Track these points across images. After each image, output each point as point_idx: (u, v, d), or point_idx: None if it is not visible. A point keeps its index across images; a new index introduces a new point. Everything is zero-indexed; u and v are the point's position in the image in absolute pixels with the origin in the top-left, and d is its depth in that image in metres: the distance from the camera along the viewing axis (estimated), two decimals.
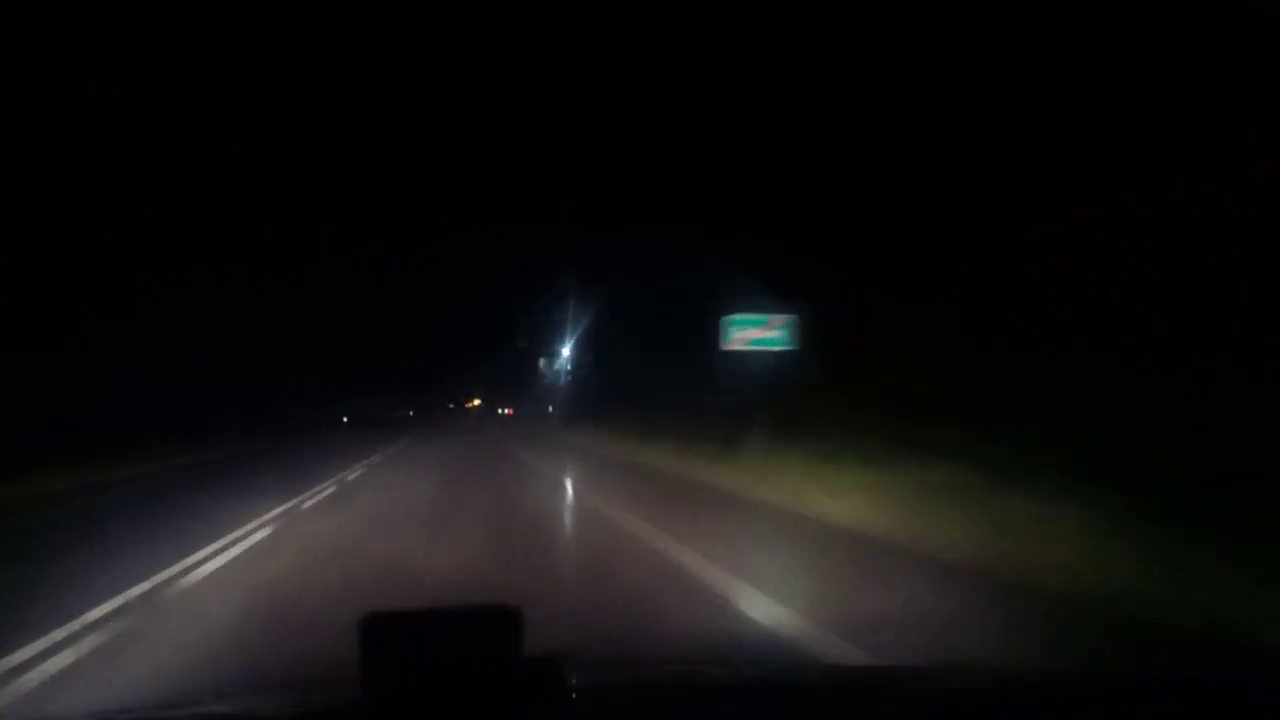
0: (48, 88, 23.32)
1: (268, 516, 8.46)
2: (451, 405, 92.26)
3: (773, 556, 6.31)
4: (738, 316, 13.46)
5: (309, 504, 9.79)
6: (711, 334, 14.10)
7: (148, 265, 26.77)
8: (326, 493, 11.02)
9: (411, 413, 75.25)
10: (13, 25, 18.96)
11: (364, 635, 1.18)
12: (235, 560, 6.20)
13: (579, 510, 9.41)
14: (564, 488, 11.87)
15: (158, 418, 22.32)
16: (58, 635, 4.11)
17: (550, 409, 46.54)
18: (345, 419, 53.53)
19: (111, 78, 24.80)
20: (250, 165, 34.18)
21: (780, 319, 13.30)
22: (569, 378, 38.43)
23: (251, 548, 6.75)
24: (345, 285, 52.17)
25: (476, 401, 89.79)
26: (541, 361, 44.62)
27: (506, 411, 68.08)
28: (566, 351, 37.48)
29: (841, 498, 8.00)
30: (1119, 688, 1.58)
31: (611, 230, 26.24)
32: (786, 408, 12.89)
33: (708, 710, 1.52)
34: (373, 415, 56.31)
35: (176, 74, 27.21)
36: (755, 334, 13.29)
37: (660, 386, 20.91)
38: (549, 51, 31.53)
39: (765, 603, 4.52)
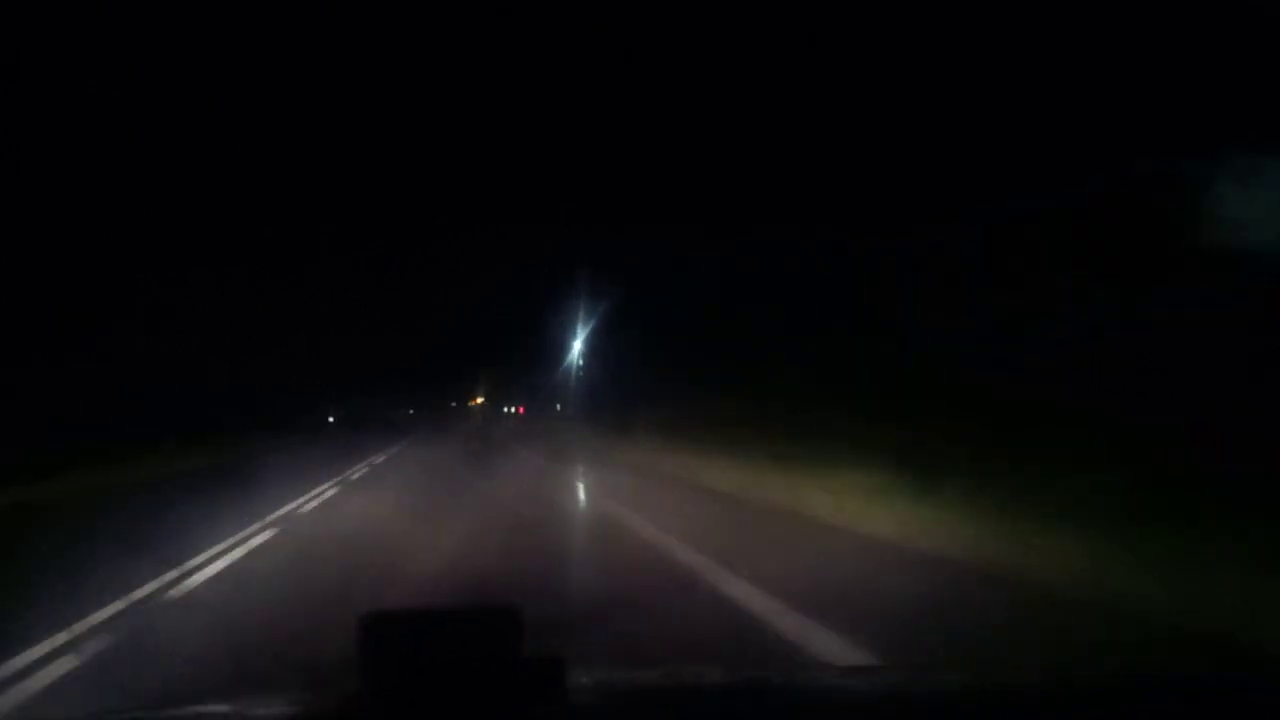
0: (48, 89, 23.34)
1: None
2: (454, 404, 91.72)
3: None
4: None
5: None
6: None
7: (148, 266, 26.83)
8: None
9: (412, 411, 74.07)
10: (13, 26, 18.98)
11: (363, 634, 1.18)
12: None
13: None
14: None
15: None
16: None
17: (558, 407, 44.25)
18: (330, 419, 44.64)
19: (111, 78, 24.83)
20: (250, 165, 34.23)
21: None
22: (581, 373, 35.48)
23: None
24: (345, 285, 52.28)
25: (480, 400, 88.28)
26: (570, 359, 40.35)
27: (517, 410, 61.11)
28: (579, 345, 34.52)
29: None
30: (1119, 688, 1.58)
31: (622, 227, 25.68)
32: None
33: (708, 710, 1.52)
34: (366, 415, 50.08)
35: (176, 74, 27.22)
36: None
37: (704, 388, 18.36)
38: (549, 52, 31.54)
39: None
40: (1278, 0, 7.44)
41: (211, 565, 6.60)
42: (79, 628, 4.65)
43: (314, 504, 10.89)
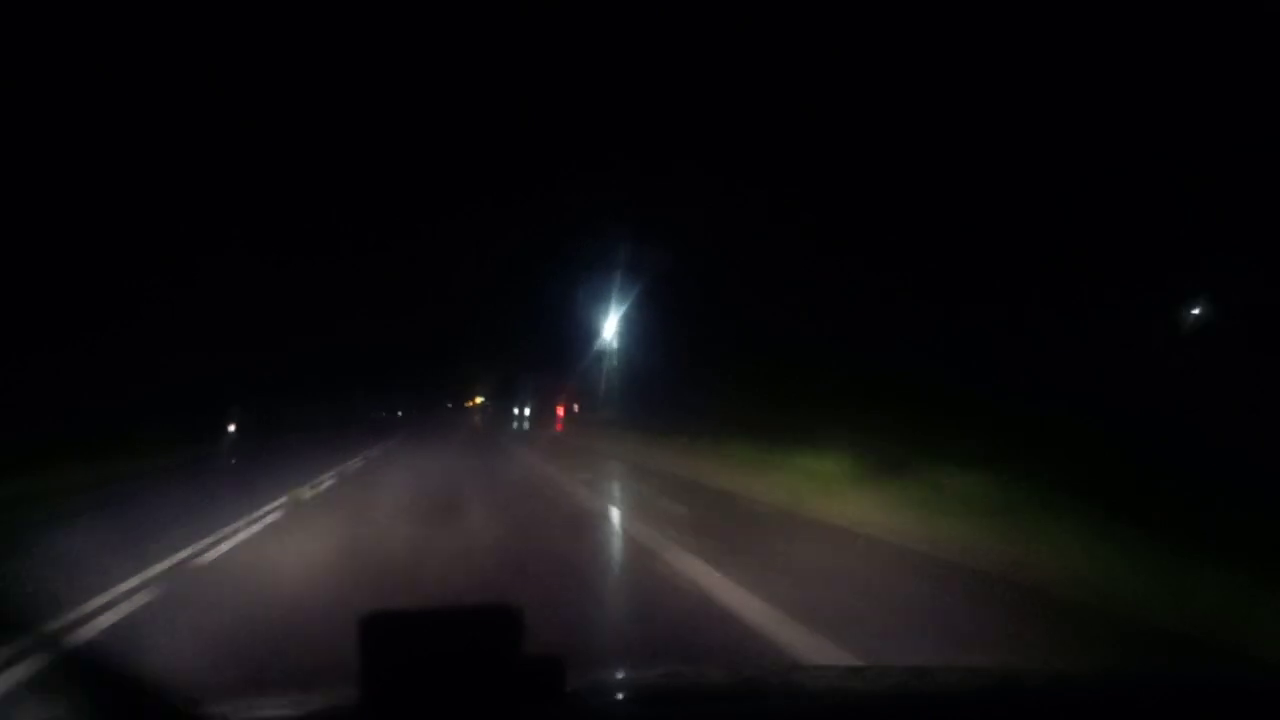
0: (51, 86, 23.31)
1: None
2: (450, 404, 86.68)
3: None
4: None
5: None
6: None
7: (147, 266, 26.74)
8: None
9: (400, 413, 69.40)
10: (14, 20, 18.95)
11: (363, 634, 1.17)
12: None
13: None
14: None
15: None
16: None
17: (575, 409, 35.88)
18: (231, 428, 27.00)
19: (113, 75, 24.83)
20: (250, 165, 34.21)
21: None
22: (616, 361, 28.20)
23: None
24: (345, 285, 52.15)
25: (479, 400, 74.35)
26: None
27: (555, 413, 36.31)
28: (612, 330, 27.28)
29: None
30: (1119, 688, 1.58)
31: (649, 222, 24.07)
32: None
33: (708, 710, 1.51)
34: (326, 421, 37.52)
35: (177, 74, 27.22)
36: None
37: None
38: (549, 50, 31.55)
39: None
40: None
41: None
42: None
43: None
